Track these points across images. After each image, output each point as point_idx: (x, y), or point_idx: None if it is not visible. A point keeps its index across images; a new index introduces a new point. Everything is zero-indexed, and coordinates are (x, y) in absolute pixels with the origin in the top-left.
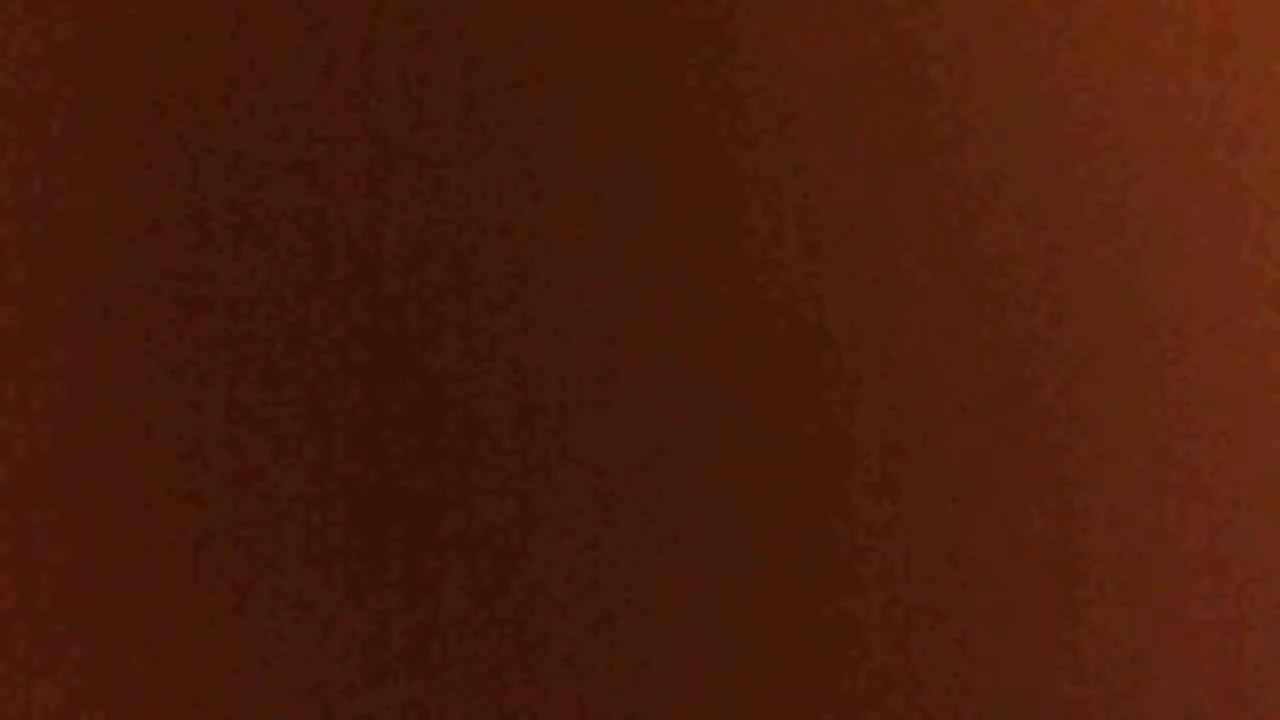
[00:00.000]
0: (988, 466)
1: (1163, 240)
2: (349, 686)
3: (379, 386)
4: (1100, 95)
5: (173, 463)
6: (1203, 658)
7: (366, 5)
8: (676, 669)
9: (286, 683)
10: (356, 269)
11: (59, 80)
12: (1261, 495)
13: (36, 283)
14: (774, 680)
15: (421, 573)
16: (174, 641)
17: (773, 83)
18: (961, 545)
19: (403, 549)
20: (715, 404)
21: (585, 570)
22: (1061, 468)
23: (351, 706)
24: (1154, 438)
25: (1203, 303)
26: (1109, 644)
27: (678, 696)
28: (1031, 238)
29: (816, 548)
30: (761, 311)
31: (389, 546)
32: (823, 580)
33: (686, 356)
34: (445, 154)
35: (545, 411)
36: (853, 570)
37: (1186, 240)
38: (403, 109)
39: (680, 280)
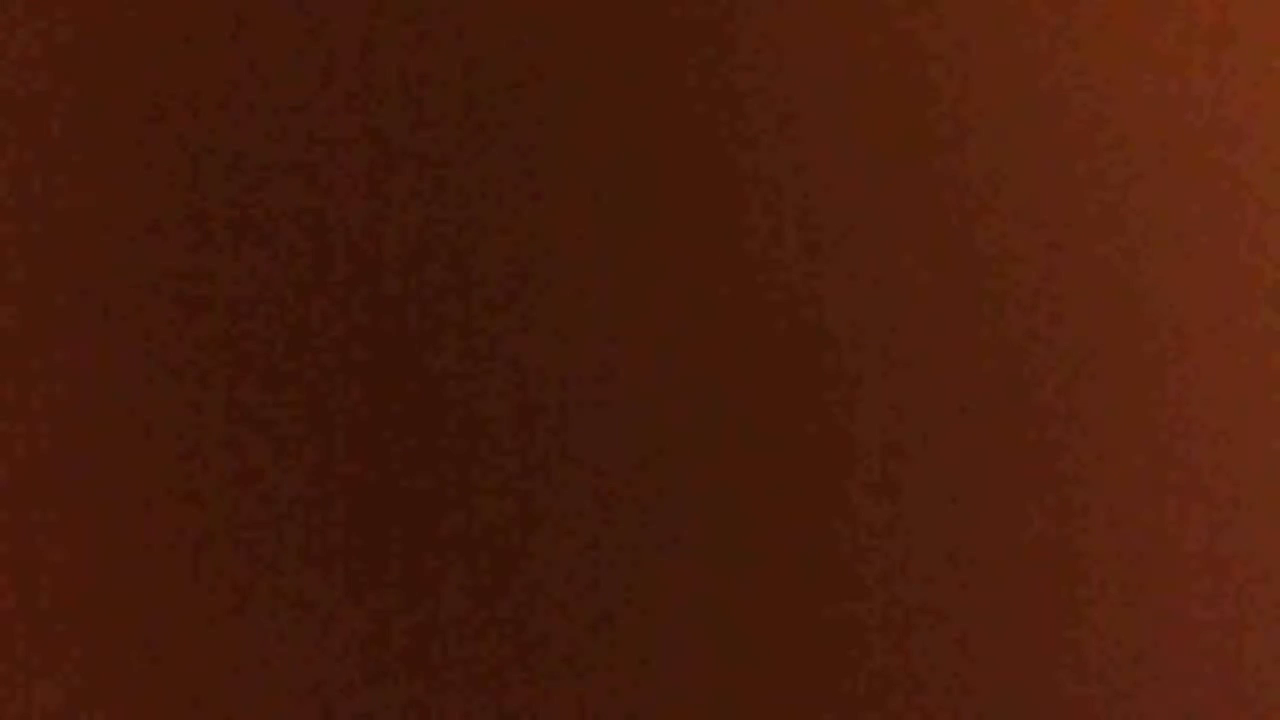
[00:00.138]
0: (988, 466)
1: (1163, 239)
2: (349, 686)
3: (379, 386)
4: (1100, 94)
5: (173, 463)
6: (1203, 658)
7: (366, 5)
8: (676, 669)
9: (286, 683)
10: (356, 269)
11: (59, 80)
12: (1261, 495)
13: (36, 283)
14: (774, 680)
15: (421, 573)
16: (174, 641)
17: (773, 83)
18: (962, 545)
19: (403, 549)
20: (715, 404)
21: (585, 570)
22: (1061, 468)
23: (351, 706)
24: (1154, 438)
25: (1203, 302)
26: (1109, 644)
27: (678, 696)
28: (1031, 237)
29: (817, 548)
30: (761, 311)
31: (389, 546)
32: (823, 580)
33: (686, 356)
34: (445, 154)
35: (545, 412)
36: (853, 570)
37: (1186, 239)
38: (403, 109)
39: (680, 280)
